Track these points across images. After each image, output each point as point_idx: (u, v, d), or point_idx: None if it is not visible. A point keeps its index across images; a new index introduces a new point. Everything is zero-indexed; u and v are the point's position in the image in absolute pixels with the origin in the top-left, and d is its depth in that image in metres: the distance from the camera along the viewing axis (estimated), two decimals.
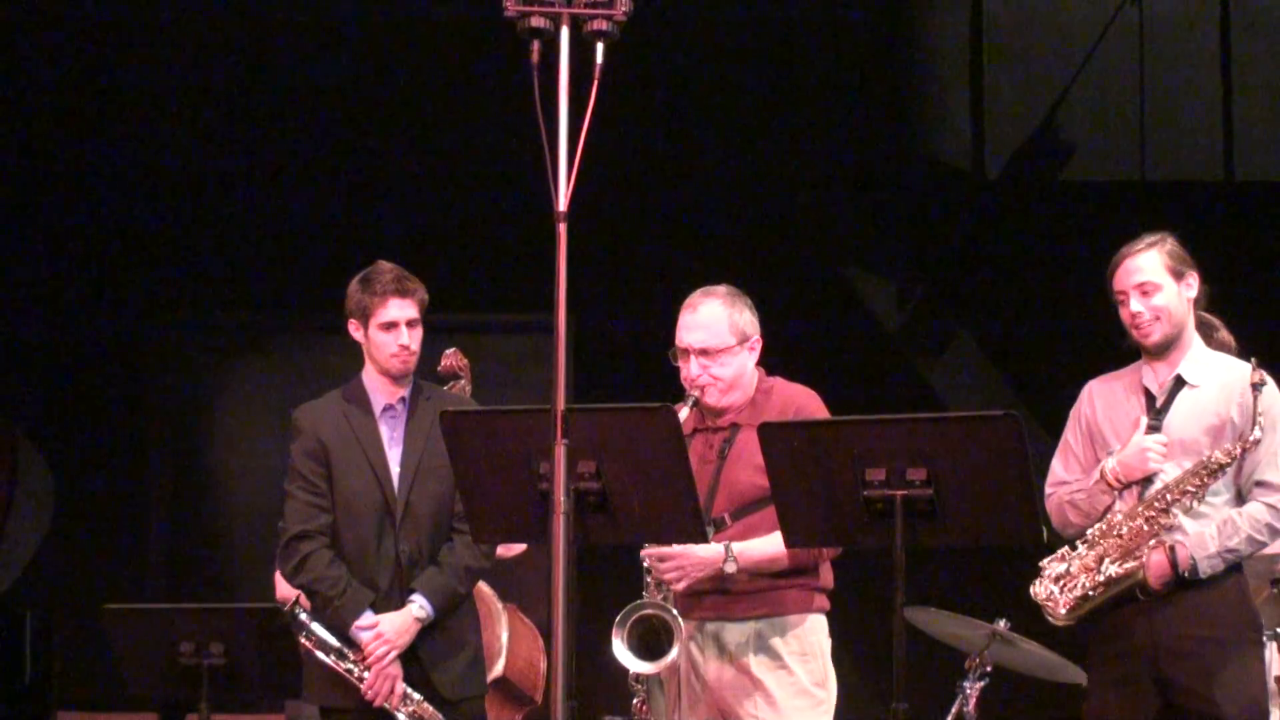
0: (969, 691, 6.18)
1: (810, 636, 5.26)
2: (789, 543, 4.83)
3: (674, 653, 5.13)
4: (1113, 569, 5.20)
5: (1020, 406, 8.61)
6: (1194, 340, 5.33)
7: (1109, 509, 5.28)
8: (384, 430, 5.67)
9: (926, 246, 9.49)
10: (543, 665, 6.71)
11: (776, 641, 5.22)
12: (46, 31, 9.29)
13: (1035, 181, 9.43)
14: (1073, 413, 5.45)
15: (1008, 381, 9.19)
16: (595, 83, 4.17)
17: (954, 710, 6.19)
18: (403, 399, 5.69)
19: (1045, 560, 5.33)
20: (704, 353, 5.25)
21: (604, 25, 4.22)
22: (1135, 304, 5.26)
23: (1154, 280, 5.25)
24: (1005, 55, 9.52)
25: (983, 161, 9.51)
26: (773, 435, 4.64)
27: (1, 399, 9.41)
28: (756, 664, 5.20)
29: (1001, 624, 6.16)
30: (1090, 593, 5.23)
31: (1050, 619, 5.32)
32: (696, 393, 5.25)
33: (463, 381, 6.37)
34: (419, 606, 5.56)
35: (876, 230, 9.56)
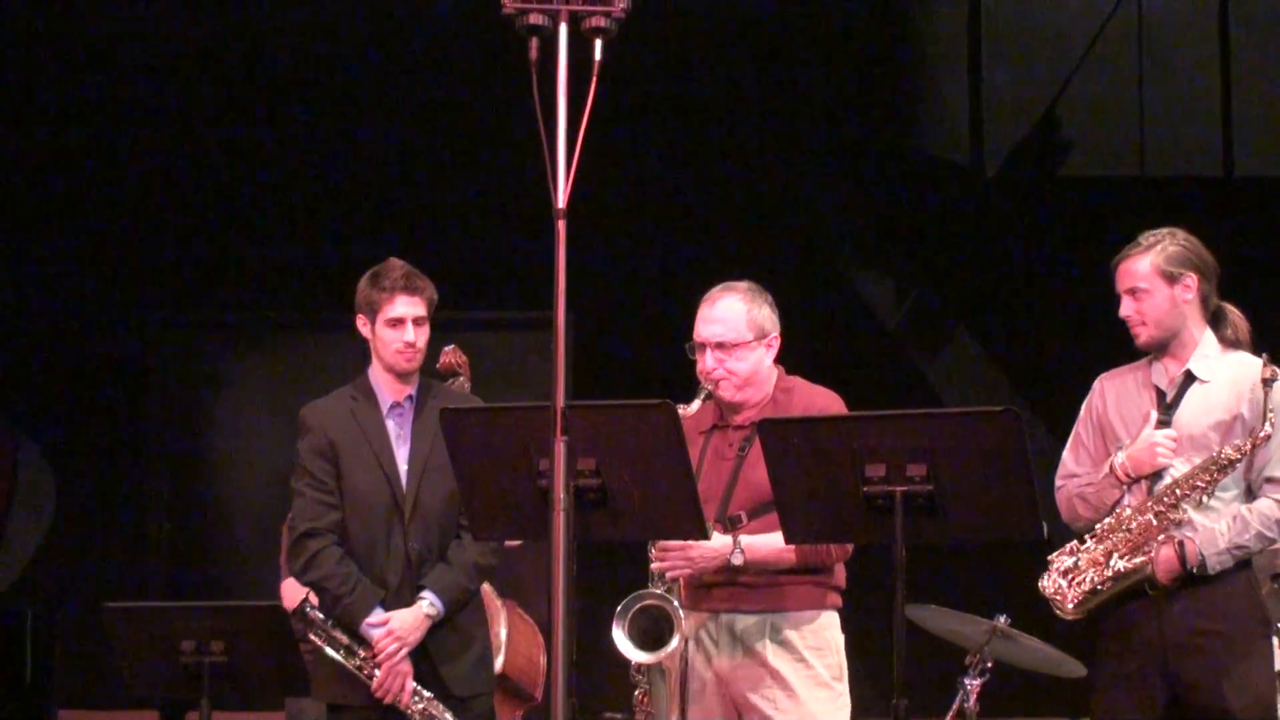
0: (969, 687, 6.19)
1: (825, 632, 5.27)
2: (789, 539, 4.83)
3: (674, 643, 5.14)
4: (1121, 563, 5.20)
5: (1019, 402, 8.61)
6: (1204, 336, 5.33)
7: (1118, 503, 5.28)
8: (391, 428, 5.68)
9: (925, 243, 9.49)
10: (542, 662, 6.70)
11: (791, 634, 5.21)
12: (47, 26, 9.28)
13: (1034, 177, 9.43)
14: (1084, 406, 5.46)
15: (1007, 377, 9.19)
16: (594, 79, 4.16)
17: (955, 706, 6.20)
18: (410, 397, 5.70)
19: (1053, 554, 5.33)
20: (720, 346, 5.26)
21: (602, 22, 4.21)
22: (1125, 307, 5.33)
23: (1143, 285, 5.29)
24: (1003, 51, 9.51)
25: (981, 157, 9.51)
26: (773, 431, 4.64)
27: (2, 397, 9.41)
28: (774, 655, 5.20)
29: (1001, 620, 6.17)
30: (1099, 587, 5.23)
31: (1058, 613, 5.32)
32: (710, 386, 5.27)
33: (462, 378, 6.37)
34: (429, 603, 5.57)
35: (875, 227, 9.56)
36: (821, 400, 5.30)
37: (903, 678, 4.39)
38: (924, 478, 4.41)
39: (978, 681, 6.20)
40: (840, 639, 5.30)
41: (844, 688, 5.28)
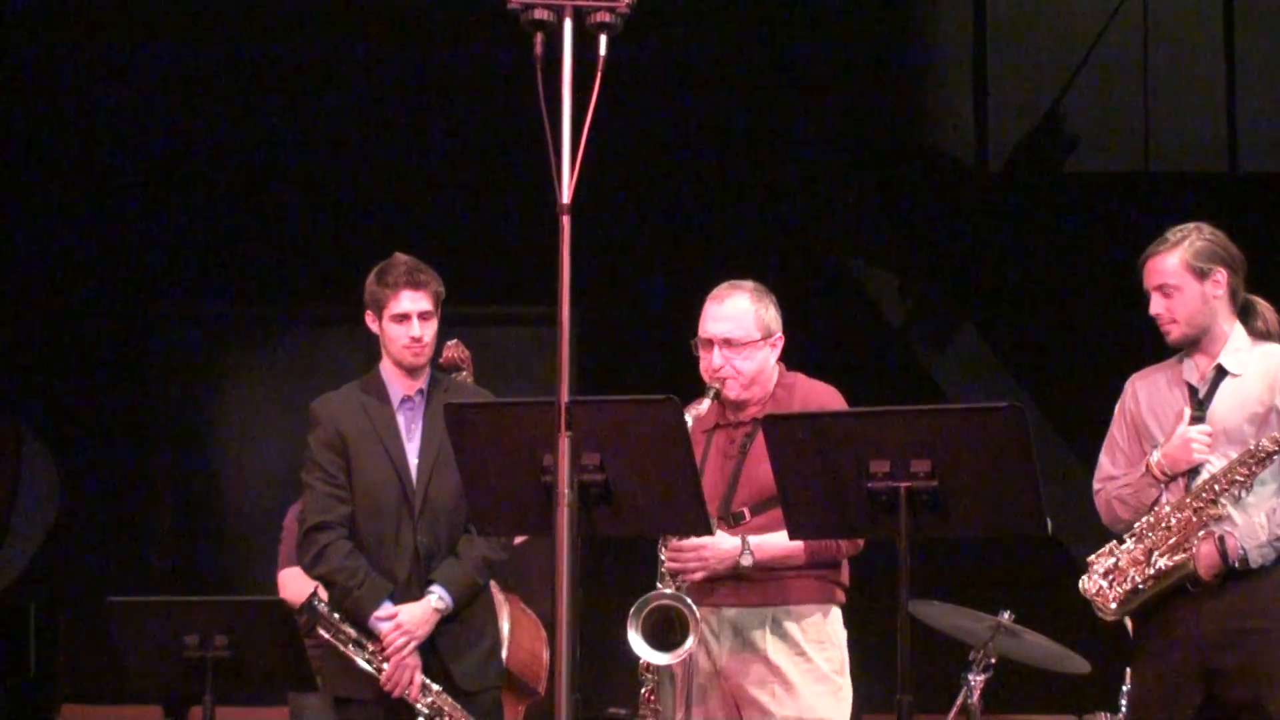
0: (973, 683, 6.19)
1: (827, 627, 5.27)
2: (793, 534, 4.83)
3: (690, 643, 5.13)
4: (1162, 561, 5.19)
5: (1024, 397, 8.60)
6: (1234, 330, 5.31)
7: (1156, 501, 5.27)
8: (402, 422, 5.69)
9: (930, 239, 9.48)
10: (545, 657, 6.70)
11: (793, 629, 5.22)
12: (50, 14, 9.28)
13: (1039, 173, 9.42)
14: (1117, 408, 5.44)
15: (1011, 374, 9.18)
16: (598, 75, 4.16)
17: (958, 702, 6.20)
18: (420, 391, 5.70)
19: (1093, 555, 5.32)
20: (728, 343, 5.26)
21: (607, 18, 4.21)
22: (1155, 305, 5.29)
23: (1173, 282, 5.26)
24: (1008, 46, 9.51)
25: (986, 153, 9.50)
26: (777, 427, 4.64)
27: (6, 392, 9.42)
28: (774, 651, 5.20)
29: (1005, 616, 6.17)
30: (1140, 586, 5.22)
31: (1100, 614, 5.32)
32: (717, 384, 5.26)
33: (464, 373, 6.37)
34: (438, 597, 5.58)
35: (879, 223, 9.55)
36: (822, 395, 5.31)
37: (907, 673, 4.39)
38: (928, 473, 4.40)
39: (982, 677, 6.20)
40: (843, 634, 5.31)
41: (845, 680, 5.28)
